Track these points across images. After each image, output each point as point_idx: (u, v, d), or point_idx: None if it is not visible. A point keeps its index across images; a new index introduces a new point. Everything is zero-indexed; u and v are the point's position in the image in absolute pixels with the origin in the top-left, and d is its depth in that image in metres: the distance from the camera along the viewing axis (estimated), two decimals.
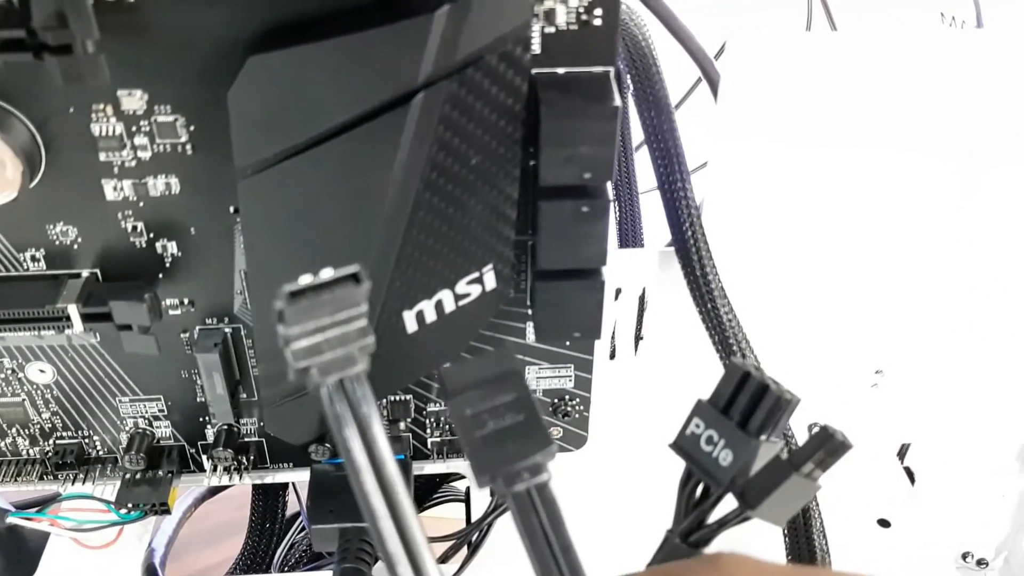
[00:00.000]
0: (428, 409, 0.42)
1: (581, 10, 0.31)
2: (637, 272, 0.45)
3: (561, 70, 0.32)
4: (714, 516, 0.24)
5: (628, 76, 0.40)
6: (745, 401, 0.23)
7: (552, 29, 0.31)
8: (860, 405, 0.50)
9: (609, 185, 0.32)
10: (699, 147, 0.44)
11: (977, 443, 0.51)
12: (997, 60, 0.38)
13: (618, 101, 0.30)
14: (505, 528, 0.43)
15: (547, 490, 0.19)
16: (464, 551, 0.43)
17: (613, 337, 0.48)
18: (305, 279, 0.17)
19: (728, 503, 0.24)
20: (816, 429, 0.22)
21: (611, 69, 0.32)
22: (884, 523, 0.47)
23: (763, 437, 0.23)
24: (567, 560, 0.19)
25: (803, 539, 0.37)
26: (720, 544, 0.23)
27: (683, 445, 0.23)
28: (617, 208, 0.54)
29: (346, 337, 0.17)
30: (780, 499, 0.23)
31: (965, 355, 0.48)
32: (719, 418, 0.23)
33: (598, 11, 0.31)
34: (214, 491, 0.51)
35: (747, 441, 0.22)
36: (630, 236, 0.54)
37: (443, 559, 0.47)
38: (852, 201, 0.43)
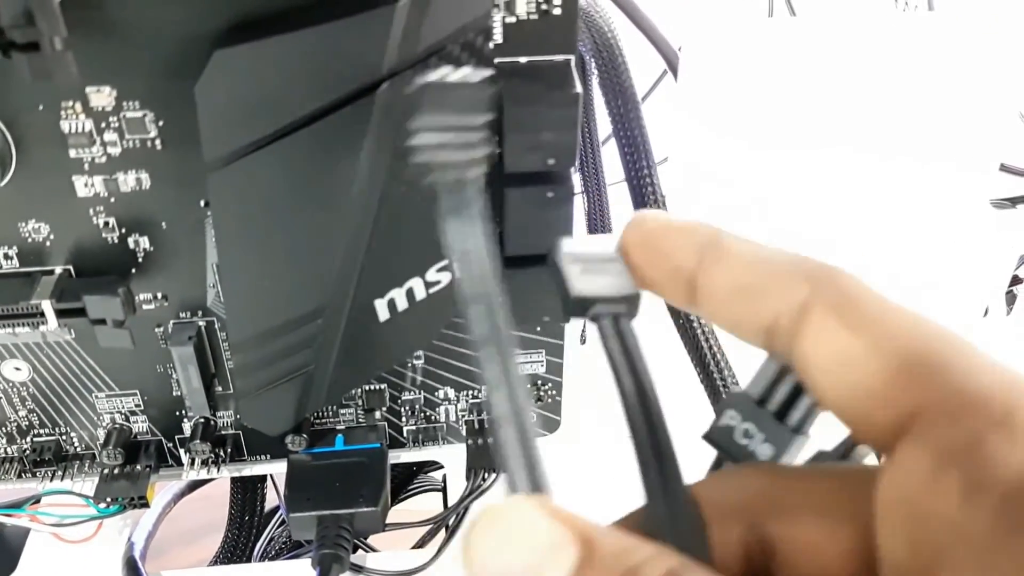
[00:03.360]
0: (403, 397, 0.43)
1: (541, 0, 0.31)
2: None
3: (523, 59, 0.32)
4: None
5: (594, 66, 0.41)
6: (784, 395, 0.21)
7: (513, 19, 0.32)
8: None
9: (573, 171, 0.33)
10: (663, 140, 0.44)
11: None
12: (947, 41, 0.39)
13: (579, 88, 0.31)
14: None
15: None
16: (442, 536, 0.44)
17: (584, 328, 0.49)
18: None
19: None
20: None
21: (572, 57, 0.32)
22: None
23: (804, 432, 0.21)
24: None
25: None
26: None
27: (716, 437, 0.22)
28: (585, 199, 0.54)
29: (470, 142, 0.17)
30: None
31: None
32: (757, 411, 0.22)
33: (557, 0, 0.31)
34: (194, 486, 0.51)
35: (790, 436, 0.21)
36: (598, 227, 0.55)
37: (420, 544, 0.48)
38: (819, 188, 0.44)
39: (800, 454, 0.22)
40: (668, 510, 0.18)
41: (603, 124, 0.44)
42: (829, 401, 0.19)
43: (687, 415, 0.25)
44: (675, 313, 0.41)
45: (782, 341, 0.19)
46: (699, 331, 0.40)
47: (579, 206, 0.52)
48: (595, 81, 0.41)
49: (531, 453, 0.18)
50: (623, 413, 0.20)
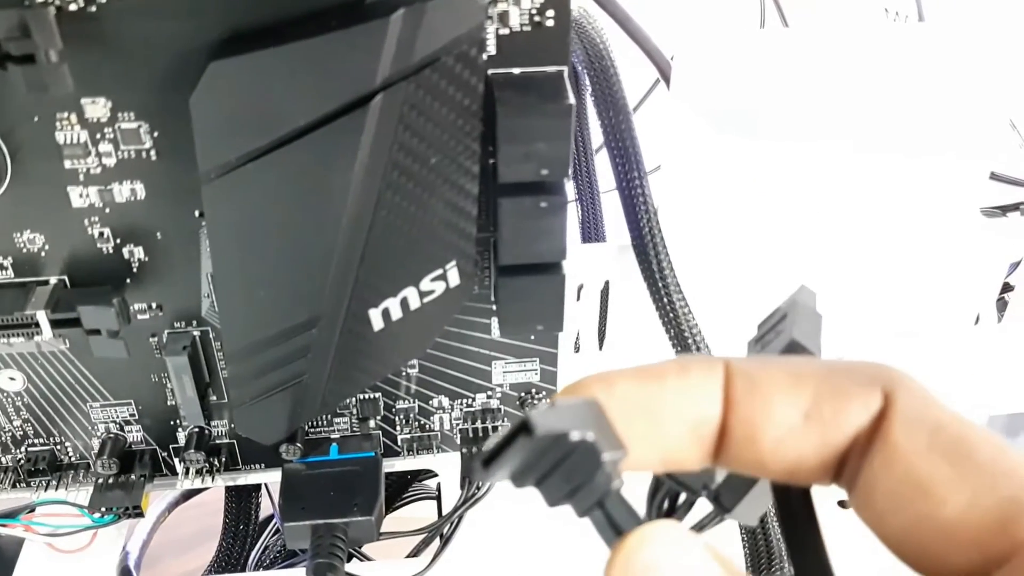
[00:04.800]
0: (397, 406, 0.43)
1: (534, 12, 0.32)
2: (599, 266, 0.46)
3: (516, 70, 0.33)
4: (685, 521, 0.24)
5: (587, 77, 0.41)
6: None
7: (506, 31, 0.32)
8: None
9: (567, 181, 0.33)
10: (656, 150, 0.45)
11: None
12: (937, 51, 0.39)
13: (572, 99, 0.31)
14: (476, 520, 0.44)
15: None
16: (436, 544, 0.44)
17: (577, 337, 0.49)
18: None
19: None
20: None
21: (565, 68, 0.33)
22: (843, 504, 0.48)
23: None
24: None
25: (760, 533, 0.38)
26: None
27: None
28: (579, 207, 0.55)
29: None
30: (753, 499, 0.23)
31: (926, 345, 0.49)
32: None
33: (550, 12, 0.32)
34: (188, 495, 0.51)
35: None
36: (592, 235, 0.55)
37: (415, 553, 0.48)
38: (809, 195, 0.44)
39: None
40: None
41: (596, 132, 0.44)
42: (890, 534, 0.17)
43: None
44: (650, 280, 0.41)
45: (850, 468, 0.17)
46: (674, 296, 0.40)
47: (573, 214, 0.52)
48: (587, 92, 0.42)
49: None
50: None
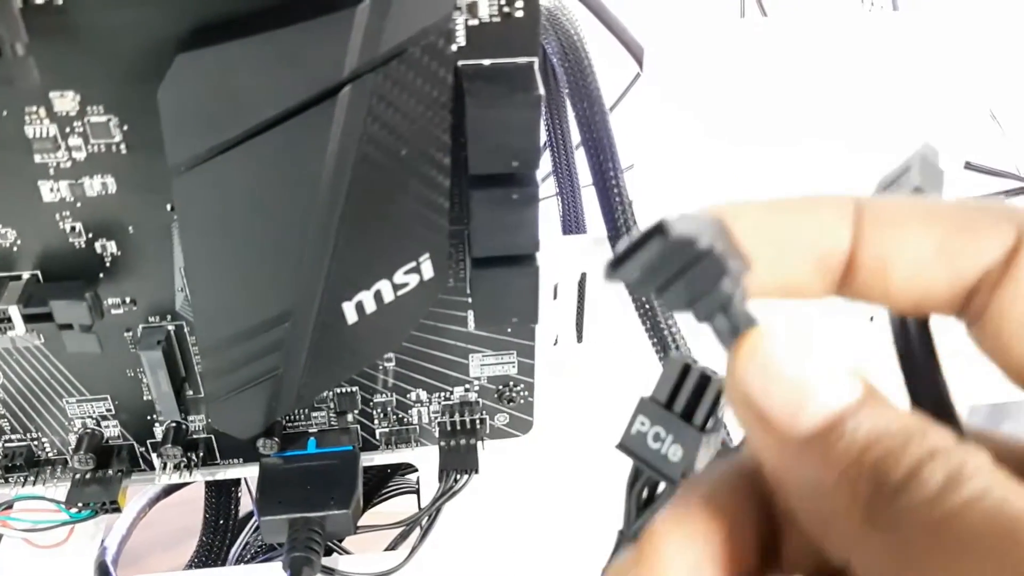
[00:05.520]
0: (375, 400, 0.43)
1: (503, 2, 0.32)
2: (576, 258, 0.46)
3: (486, 61, 0.33)
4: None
5: (562, 70, 0.41)
6: (688, 394, 0.22)
7: (475, 21, 0.32)
8: None
9: (537, 173, 0.33)
10: (633, 146, 0.45)
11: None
12: (912, 41, 0.39)
13: (541, 90, 0.31)
14: (454, 512, 0.44)
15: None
16: (415, 537, 0.44)
17: (556, 340, 0.49)
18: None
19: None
20: None
21: (535, 59, 0.33)
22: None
23: (709, 428, 0.22)
24: None
25: None
26: None
27: (630, 445, 0.22)
28: (560, 201, 0.55)
29: None
30: None
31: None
32: (664, 414, 0.22)
33: (519, 3, 0.32)
34: (168, 491, 0.51)
35: (695, 434, 0.21)
36: (573, 229, 0.55)
37: (392, 546, 0.48)
38: (788, 185, 0.45)
39: (710, 450, 0.22)
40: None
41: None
42: (1014, 364, 0.17)
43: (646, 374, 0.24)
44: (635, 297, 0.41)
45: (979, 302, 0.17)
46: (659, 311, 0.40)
47: (554, 208, 0.52)
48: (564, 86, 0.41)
49: None
50: None
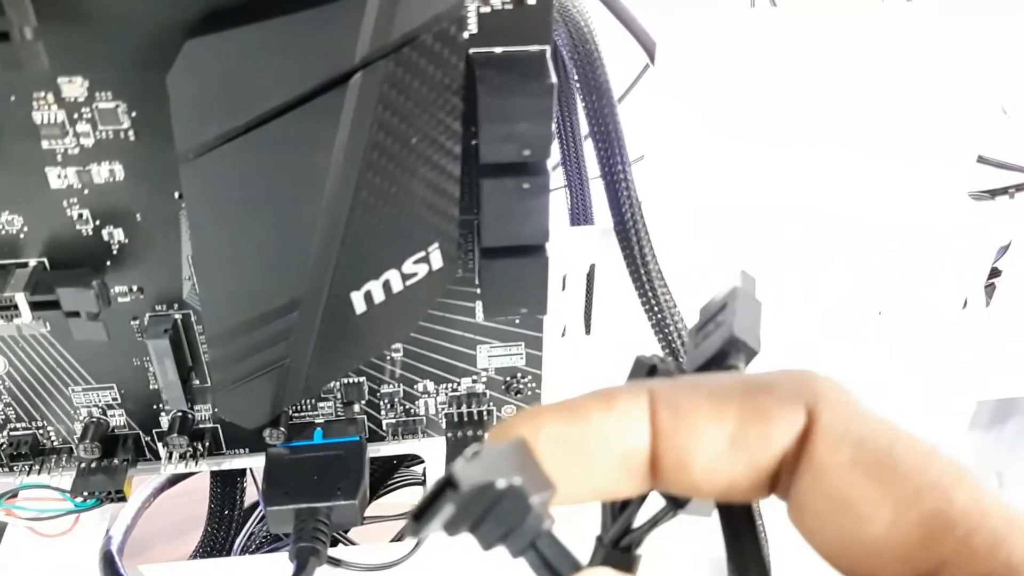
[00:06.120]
0: (382, 390, 0.42)
1: None
2: (585, 249, 0.46)
3: (498, 49, 0.32)
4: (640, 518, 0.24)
5: (571, 61, 0.41)
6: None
7: (488, 9, 0.32)
8: None
9: (549, 162, 0.33)
10: (641, 139, 0.44)
11: (923, 410, 0.53)
12: (926, 32, 0.39)
13: (554, 78, 0.31)
14: None
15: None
16: None
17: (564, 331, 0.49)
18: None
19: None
20: None
21: (547, 48, 0.32)
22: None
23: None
24: None
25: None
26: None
27: None
28: (568, 193, 0.54)
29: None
30: None
31: (913, 330, 0.49)
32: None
33: None
34: (174, 481, 0.51)
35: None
36: (582, 221, 0.55)
37: (398, 537, 0.48)
38: (797, 179, 0.44)
39: None
40: None
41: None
42: (822, 548, 0.17)
43: None
44: (632, 266, 0.40)
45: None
46: (656, 283, 0.40)
47: (563, 200, 0.52)
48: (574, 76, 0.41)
49: None
50: None
